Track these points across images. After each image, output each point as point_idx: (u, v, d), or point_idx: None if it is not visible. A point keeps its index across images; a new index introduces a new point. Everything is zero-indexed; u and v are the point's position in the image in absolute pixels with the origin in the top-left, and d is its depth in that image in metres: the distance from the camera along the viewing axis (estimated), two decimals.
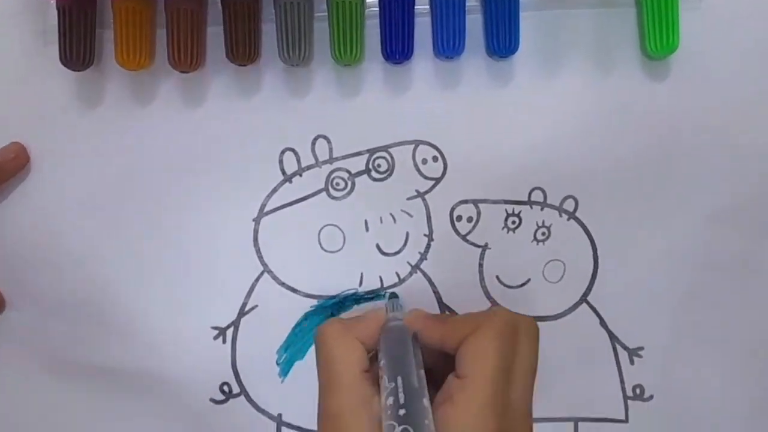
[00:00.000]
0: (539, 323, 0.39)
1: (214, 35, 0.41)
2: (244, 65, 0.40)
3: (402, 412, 0.30)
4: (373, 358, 0.34)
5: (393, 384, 0.31)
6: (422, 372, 0.32)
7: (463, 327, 0.33)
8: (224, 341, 0.41)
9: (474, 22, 0.41)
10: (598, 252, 0.41)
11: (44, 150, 0.41)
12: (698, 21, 0.40)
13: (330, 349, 0.33)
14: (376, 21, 0.40)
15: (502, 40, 0.40)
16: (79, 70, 0.40)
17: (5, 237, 0.41)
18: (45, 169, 0.41)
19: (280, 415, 0.41)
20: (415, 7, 0.40)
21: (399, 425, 0.29)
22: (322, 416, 0.32)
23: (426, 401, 0.30)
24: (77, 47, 0.40)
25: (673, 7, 0.40)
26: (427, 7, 0.41)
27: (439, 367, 0.33)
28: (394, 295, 0.41)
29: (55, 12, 0.39)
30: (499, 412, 0.30)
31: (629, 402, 0.41)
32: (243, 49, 0.40)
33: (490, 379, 0.31)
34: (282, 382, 0.41)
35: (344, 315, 0.41)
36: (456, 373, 0.32)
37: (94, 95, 0.41)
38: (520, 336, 0.33)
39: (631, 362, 0.41)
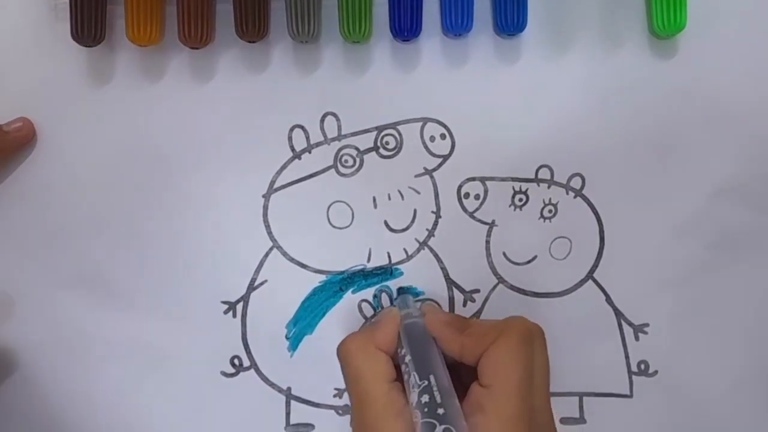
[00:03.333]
0: (546, 299, 0.41)
1: (224, 12, 0.41)
2: (253, 42, 0.40)
3: (441, 411, 0.30)
4: (395, 357, 0.34)
5: (426, 382, 0.31)
6: (447, 371, 0.33)
7: (482, 339, 0.33)
8: (234, 316, 0.41)
9: (482, 0, 0.40)
10: (605, 229, 0.41)
11: (53, 125, 0.41)
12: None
13: (356, 366, 0.34)
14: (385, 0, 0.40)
15: (510, 18, 0.39)
16: (90, 46, 0.40)
17: (13, 215, 0.42)
18: (53, 143, 0.41)
19: (289, 388, 0.41)
20: None
21: (440, 424, 0.29)
22: (358, 426, 0.33)
23: (457, 402, 0.31)
24: (89, 23, 0.39)
25: None
26: None
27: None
28: (403, 291, 0.41)
29: None
30: (528, 420, 0.31)
31: (634, 377, 0.41)
32: (252, 26, 0.39)
33: (516, 388, 0.31)
34: (291, 356, 0.41)
35: (351, 293, 0.42)
36: (480, 382, 0.32)
37: (105, 71, 0.41)
38: (535, 344, 0.34)
39: (636, 338, 0.41)
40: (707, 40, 0.41)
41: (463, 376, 0.34)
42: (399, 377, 0.34)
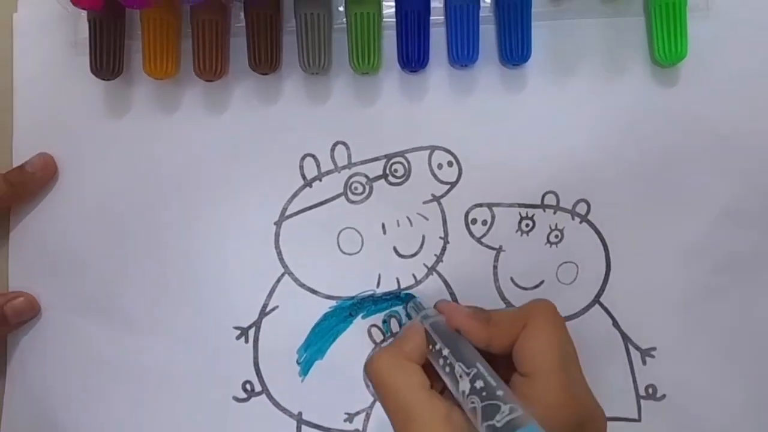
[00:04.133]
0: None
1: (238, 45, 0.42)
2: (266, 74, 0.41)
3: (500, 392, 0.30)
4: (427, 366, 0.34)
5: (474, 369, 0.31)
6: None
7: (509, 328, 0.34)
8: (246, 341, 0.42)
9: (487, 32, 0.42)
10: (610, 254, 0.42)
11: (73, 157, 0.43)
12: (706, 29, 0.41)
13: (391, 382, 0.33)
14: (393, 32, 0.41)
15: (515, 49, 0.40)
16: (108, 80, 0.42)
17: (35, 243, 0.43)
18: (73, 175, 0.43)
19: (300, 413, 0.42)
20: (431, 17, 0.41)
21: (504, 404, 0.29)
22: None
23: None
24: (107, 57, 0.41)
25: (681, 17, 0.40)
26: (442, 17, 0.42)
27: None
28: (410, 296, 0.41)
29: (86, 24, 0.41)
30: (575, 402, 0.32)
31: (642, 401, 0.41)
32: (265, 59, 0.41)
33: (558, 370, 0.32)
34: (302, 381, 0.42)
35: (360, 319, 0.42)
36: (520, 372, 0.33)
37: (122, 103, 0.43)
38: (563, 325, 0.34)
39: (644, 362, 0.41)
40: (707, 68, 0.42)
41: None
42: (433, 385, 0.34)
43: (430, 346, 0.35)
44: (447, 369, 0.33)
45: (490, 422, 0.29)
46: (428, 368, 0.34)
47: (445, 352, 0.33)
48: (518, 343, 0.33)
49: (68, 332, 0.42)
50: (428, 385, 0.33)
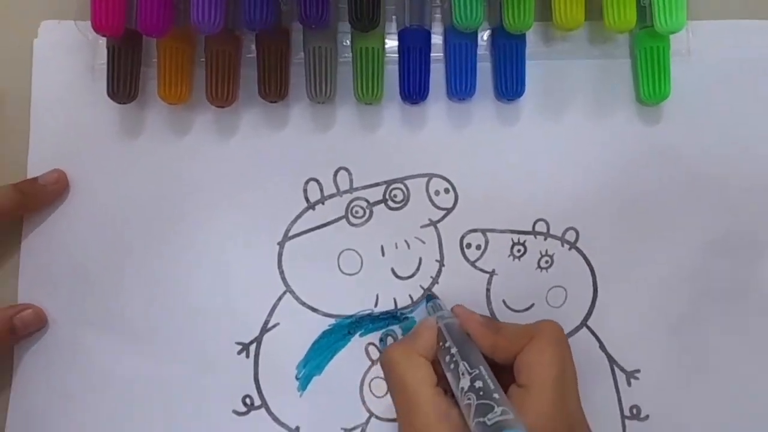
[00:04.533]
0: None
1: (248, 74, 0.44)
2: (275, 102, 0.43)
3: (496, 395, 0.31)
4: (436, 363, 0.36)
5: (477, 370, 0.33)
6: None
7: (516, 340, 0.35)
8: (247, 356, 0.43)
9: (484, 69, 0.44)
10: (598, 280, 0.43)
11: (85, 175, 0.44)
12: (687, 71, 0.44)
13: (400, 373, 0.35)
14: (396, 66, 0.43)
15: (510, 85, 0.43)
16: (124, 103, 0.43)
17: (45, 257, 0.44)
18: (85, 193, 0.44)
19: (298, 427, 0.42)
20: (431, 53, 0.43)
21: (498, 406, 0.30)
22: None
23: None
24: (124, 82, 0.42)
25: (665, 60, 0.43)
26: (442, 54, 0.44)
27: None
28: (432, 296, 0.42)
29: (105, 50, 0.42)
30: (566, 415, 0.33)
31: (626, 421, 0.42)
32: (274, 88, 0.42)
33: (554, 386, 0.33)
34: (301, 396, 0.42)
35: (359, 336, 0.43)
36: (518, 383, 0.34)
37: (136, 126, 0.44)
38: (567, 347, 0.36)
39: (629, 384, 0.42)
40: (689, 107, 0.44)
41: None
42: (440, 382, 0.35)
43: (441, 343, 0.36)
44: (452, 366, 0.34)
45: (481, 419, 0.30)
46: (437, 366, 0.36)
47: (453, 350, 0.35)
48: (520, 356, 0.35)
49: (74, 345, 0.43)
50: (434, 381, 0.35)
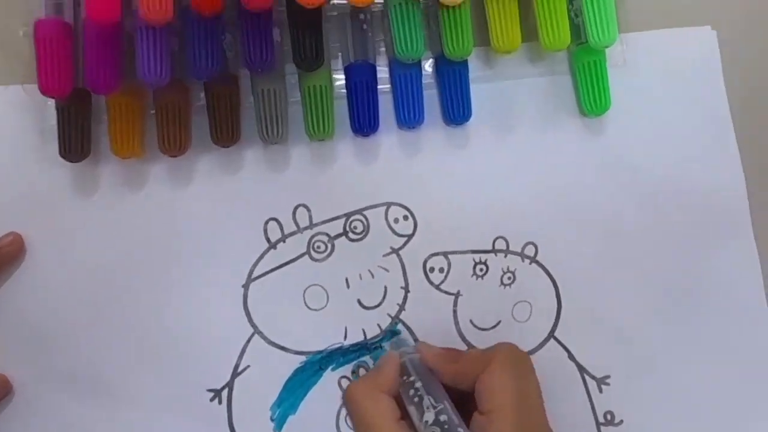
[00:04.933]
0: None
1: (200, 121, 0.43)
2: (227, 146, 0.43)
3: (461, 430, 0.32)
4: (399, 400, 0.36)
5: (441, 405, 0.34)
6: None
7: (474, 365, 0.36)
8: (220, 402, 0.42)
9: (431, 96, 0.45)
10: (560, 291, 0.44)
11: (42, 235, 0.43)
12: (625, 81, 0.45)
13: (363, 409, 0.36)
14: (344, 101, 0.44)
15: (456, 110, 0.44)
16: (76, 161, 0.43)
17: (6, 321, 0.43)
18: (43, 254, 0.43)
19: None
20: (378, 86, 0.43)
21: None
22: None
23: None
24: (75, 141, 0.42)
25: (603, 73, 0.44)
26: (389, 85, 0.45)
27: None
28: (396, 332, 0.42)
29: (54, 110, 0.42)
30: None
31: (602, 428, 0.43)
32: (225, 133, 0.42)
33: (513, 408, 0.34)
34: None
35: (331, 370, 0.43)
36: (479, 410, 0.35)
37: (90, 183, 0.44)
38: (526, 368, 0.36)
39: (600, 390, 0.43)
40: (630, 116, 0.45)
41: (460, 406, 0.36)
42: (403, 417, 0.35)
43: (404, 377, 0.37)
44: (416, 399, 0.35)
45: None
46: (400, 400, 0.36)
47: (417, 384, 0.36)
48: (479, 382, 0.35)
49: (40, 407, 0.42)
50: (397, 416, 0.35)
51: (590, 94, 0.44)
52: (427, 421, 0.33)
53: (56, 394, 0.42)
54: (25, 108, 0.44)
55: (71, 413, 0.42)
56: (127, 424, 0.42)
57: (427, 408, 0.34)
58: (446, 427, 0.32)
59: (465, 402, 0.36)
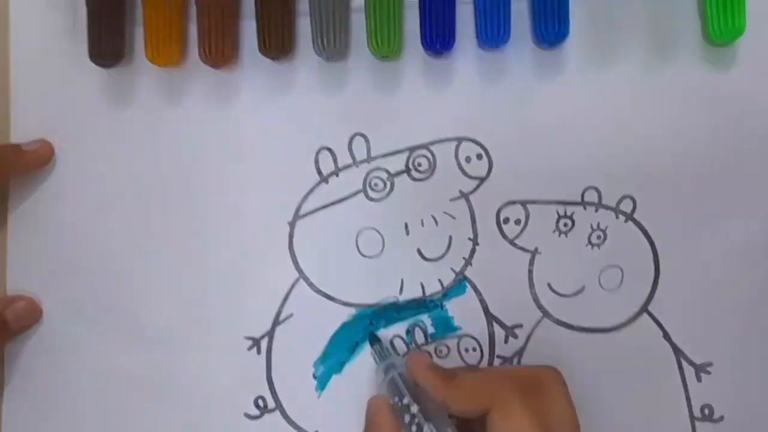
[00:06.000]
0: (596, 335, 0.40)
1: (247, 29, 0.41)
2: (277, 59, 0.40)
3: None
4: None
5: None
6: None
7: (474, 398, 0.32)
8: (259, 352, 0.40)
9: (520, 9, 0.40)
10: (660, 257, 0.40)
11: (73, 149, 0.42)
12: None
13: None
14: (416, 11, 0.40)
15: (551, 27, 0.39)
16: (108, 66, 0.41)
17: (36, 241, 0.41)
18: (74, 169, 0.42)
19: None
20: None
21: None
22: None
23: None
24: (107, 42, 0.40)
25: None
26: None
27: None
28: (375, 339, 0.39)
29: (84, 7, 0.40)
30: None
31: (697, 423, 0.39)
32: (276, 42, 0.40)
33: None
34: (319, 397, 0.40)
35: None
36: None
37: (125, 93, 0.41)
38: (546, 391, 0.32)
39: (699, 379, 0.40)
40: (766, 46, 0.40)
41: None
42: None
43: (396, 398, 0.34)
44: (414, 428, 0.32)
45: None
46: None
47: (414, 409, 0.33)
48: (488, 424, 0.31)
49: (70, 340, 0.41)
50: None
51: (719, 15, 0.39)
52: None
53: (82, 328, 0.41)
54: (54, 2, 0.42)
55: (96, 349, 0.41)
56: (155, 368, 0.41)
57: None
58: None
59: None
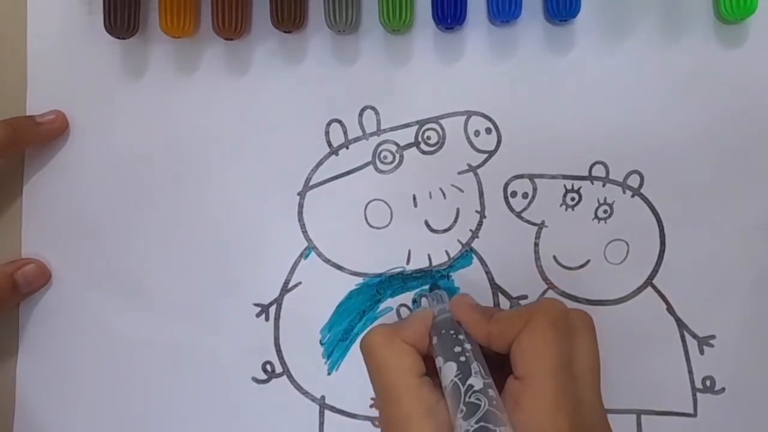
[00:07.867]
0: (600, 308, 0.39)
1: (260, 3, 0.40)
2: (289, 32, 0.40)
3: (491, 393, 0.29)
4: (429, 359, 0.33)
5: (490, 379, 0.30)
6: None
7: (512, 325, 0.32)
8: (267, 319, 0.40)
9: None
10: (665, 231, 0.39)
11: (88, 118, 0.42)
12: None
13: (379, 359, 0.32)
14: None
15: (562, 2, 0.38)
16: (123, 38, 0.40)
17: (50, 207, 0.42)
18: (87, 137, 0.42)
19: (323, 397, 0.40)
20: None
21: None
22: (385, 424, 0.31)
23: (496, 395, 0.30)
24: (121, 14, 0.40)
25: None
26: None
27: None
28: (436, 286, 0.39)
29: None
30: (570, 410, 0.29)
31: (698, 395, 0.39)
32: (288, 14, 0.39)
33: (552, 376, 0.29)
34: (325, 363, 0.40)
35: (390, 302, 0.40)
36: (514, 374, 0.31)
37: (138, 63, 0.41)
38: (575, 329, 0.32)
39: (701, 352, 0.39)
40: None
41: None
42: (429, 372, 0.32)
43: (451, 331, 0.33)
44: (462, 358, 0.31)
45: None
46: (430, 360, 0.33)
47: (467, 345, 0.32)
48: (515, 344, 0.31)
49: (81, 304, 0.41)
50: (422, 371, 0.32)
51: None
52: (471, 385, 0.29)
53: (92, 293, 0.41)
54: None
55: (107, 314, 0.41)
56: (166, 332, 0.41)
57: (475, 373, 0.30)
58: (494, 403, 0.29)
59: (499, 366, 0.33)
